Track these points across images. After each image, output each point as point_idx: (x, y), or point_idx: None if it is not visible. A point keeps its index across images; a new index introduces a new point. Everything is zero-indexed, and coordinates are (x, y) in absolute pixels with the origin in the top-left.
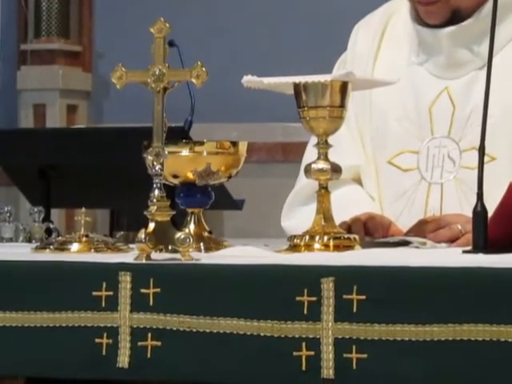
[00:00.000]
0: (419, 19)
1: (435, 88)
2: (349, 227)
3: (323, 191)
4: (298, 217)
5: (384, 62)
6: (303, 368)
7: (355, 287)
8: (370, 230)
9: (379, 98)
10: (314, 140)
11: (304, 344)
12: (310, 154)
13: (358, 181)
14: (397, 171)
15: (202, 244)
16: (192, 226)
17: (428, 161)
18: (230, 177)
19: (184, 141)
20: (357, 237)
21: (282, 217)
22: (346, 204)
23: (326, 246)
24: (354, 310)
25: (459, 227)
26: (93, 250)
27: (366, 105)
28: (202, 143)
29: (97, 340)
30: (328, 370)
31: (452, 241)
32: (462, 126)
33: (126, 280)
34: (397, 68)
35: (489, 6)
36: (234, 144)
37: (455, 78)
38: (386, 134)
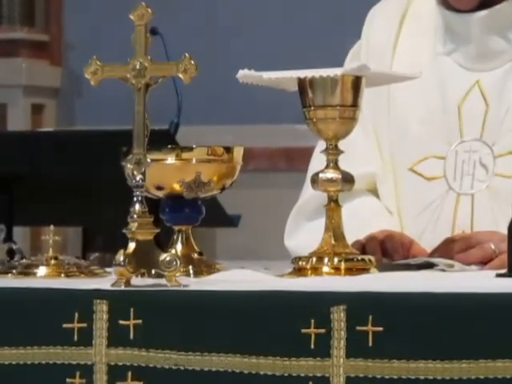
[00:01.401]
0: (446, 2)
1: (465, 82)
2: (363, 247)
3: (333, 205)
4: (304, 235)
5: (404, 53)
6: None
7: (371, 317)
8: (388, 251)
9: (399, 94)
10: (322, 145)
11: None
12: (318, 161)
13: (374, 192)
14: (420, 180)
15: (190, 267)
16: (179, 246)
17: (456, 168)
18: (223, 188)
19: (170, 146)
20: (372, 258)
21: (285, 235)
22: (360, 219)
23: (337, 269)
24: (370, 343)
25: (492, 246)
26: (63, 275)
27: (384, 103)
28: (190, 149)
29: (68, 380)
30: None
31: (484, 262)
32: (496, 128)
33: (101, 310)
34: (420, 59)
35: None
36: (228, 150)
37: (488, 71)
38: (408, 136)
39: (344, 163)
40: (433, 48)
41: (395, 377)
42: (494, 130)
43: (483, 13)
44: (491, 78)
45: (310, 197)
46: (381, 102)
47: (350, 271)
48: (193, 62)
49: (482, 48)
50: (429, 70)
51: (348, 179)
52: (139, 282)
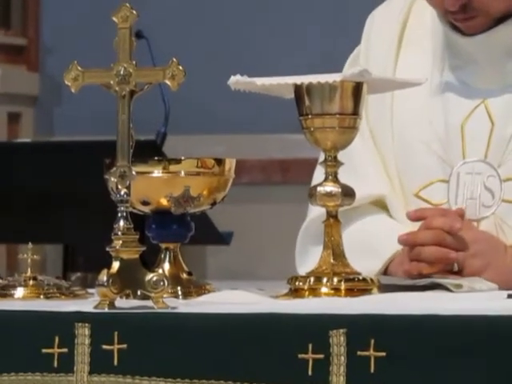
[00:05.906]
0: (451, 24)
1: (469, 101)
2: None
3: (332, 220)
4: (313, 261)
5: (406, 67)
6: None
7: (372, 341)
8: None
9: (401, 110)
10: (323, 156)
11: None
12: (321, 173)
13: (380, 207)
14: (427, 206)
15: (179, 288)
16: (167, 266)
17: (458, 191)
18: (214, 203)
19: (156, 158)
20: (374, 278)
21: (296, 262)
22: (380, 236)
23: (336, 290)
24: (372, 369)
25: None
26: (42, 297)
27: (387, 119)
28: (178, 161)
29: None
30: None
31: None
32: (502, 149)
33: (83, 334)
34: (423, 69)
35: None
36: (220, 162)
37: (494, 90)
38: (412, 160)
39: (350, 182)
40: (436, 64)
41: None
42: (500, 151)
43: (488, 33)
44: (497, 98)
45: (315, 216)
46: (384, 118)
47: (350, 292)
48: (181, 68)
49: (487, 67)
50: (432, 87)
51: (348, 193)
52: (124, 303)
